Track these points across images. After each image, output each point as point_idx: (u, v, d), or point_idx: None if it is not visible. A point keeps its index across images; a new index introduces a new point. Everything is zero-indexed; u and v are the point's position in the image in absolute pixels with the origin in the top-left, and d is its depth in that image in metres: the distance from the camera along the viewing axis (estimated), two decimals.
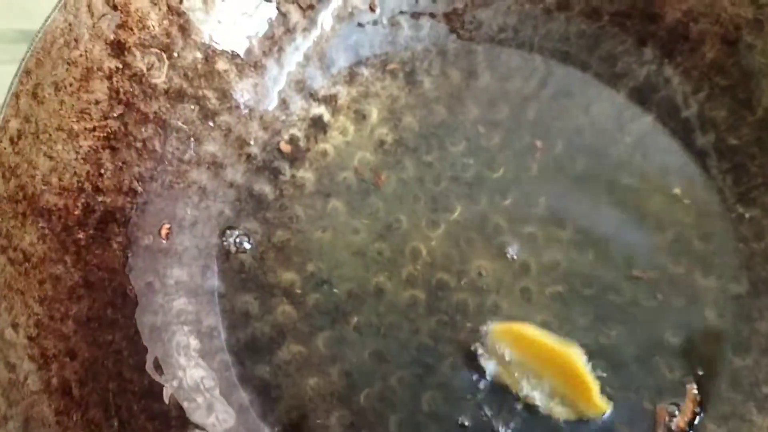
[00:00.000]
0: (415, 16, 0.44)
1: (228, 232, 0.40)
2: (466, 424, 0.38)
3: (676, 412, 0.38)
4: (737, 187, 0.42)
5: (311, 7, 0.42)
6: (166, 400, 0.35)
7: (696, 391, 0.38)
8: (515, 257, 0.40)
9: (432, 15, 0.44)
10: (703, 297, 0.40)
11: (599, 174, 0.42)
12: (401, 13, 0.44)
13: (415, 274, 0.40)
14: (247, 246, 0.40)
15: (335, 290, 0.40)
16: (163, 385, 0.35)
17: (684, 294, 0.40)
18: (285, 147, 0.42)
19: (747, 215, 0.41)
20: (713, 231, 0.41)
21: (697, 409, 0.38)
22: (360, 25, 0.43)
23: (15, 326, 0.31)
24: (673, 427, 0.38)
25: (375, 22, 0.44)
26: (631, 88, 0.44)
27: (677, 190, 0.42)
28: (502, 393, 0.38)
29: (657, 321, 0.39)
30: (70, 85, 0.34)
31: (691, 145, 0.43)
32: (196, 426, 0.35)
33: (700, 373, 0.39)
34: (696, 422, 0.38)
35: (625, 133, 0.43)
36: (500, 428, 0.38)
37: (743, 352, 0.39)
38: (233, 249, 0.40)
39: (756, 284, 0.40)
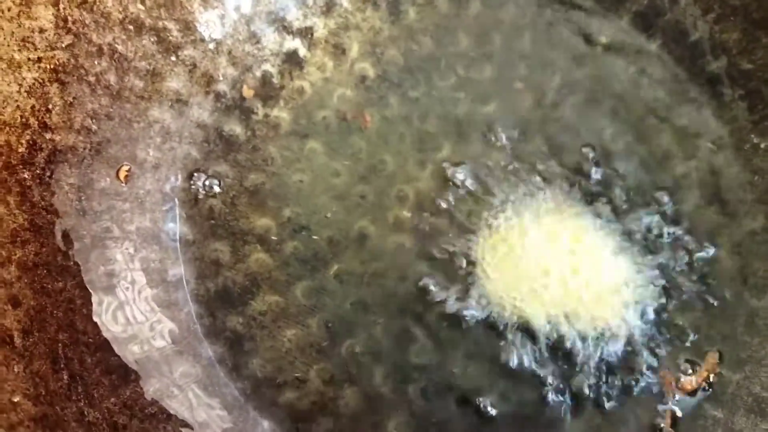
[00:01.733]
0: None
1: (195, 175, 0.37)
2: (456, 373, 0.35)
3: (689, 371, 0.35)
4: (752, 114, 0.39)
5: None
6: (124, 353, 0.32)
7: (717, 360, 0.35)
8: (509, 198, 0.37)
9: None
10: (717, 234, 0.37)
11: (600, 107, 0.39)
12: None
13: (401, 217, 0.37)
14: (217, 190, 0.37)
15: (314, 237, 0.37)
16: (120, 338, 0.32)
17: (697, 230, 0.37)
18: (247, 92, 0.39)
19: (762, 145, 0.38)
20: (726, 163, 0.38)
21: (711, 378, 0.35)
22: None
23: None
24: (681, 387, 0.35)
25: None
26: (635, 13, 0.40)
27: (685, 121, 0.39)
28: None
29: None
30: (9, 9, 0.31)
31: (701, 72, 0.39)
32: (158, 380, 0.32)
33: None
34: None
35: (628, 62, 0.40)
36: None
37: (759, 291, 0.36)
38: (202, 193, 0.37)
39: None
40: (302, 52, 0.40)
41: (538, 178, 0.38)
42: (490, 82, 0.39)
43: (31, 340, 0.29)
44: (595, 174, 0.38)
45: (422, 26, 0.40)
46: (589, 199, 0.37)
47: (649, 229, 0.37)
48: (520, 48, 0.40)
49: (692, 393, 0.35)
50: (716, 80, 0.39)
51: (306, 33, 0.40)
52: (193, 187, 0.37)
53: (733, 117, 0.38)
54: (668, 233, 0.37)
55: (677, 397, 0.35)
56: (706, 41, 0.39)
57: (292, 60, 0.40)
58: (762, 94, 0.38)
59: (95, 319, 0.31)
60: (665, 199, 0.38)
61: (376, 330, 0.36)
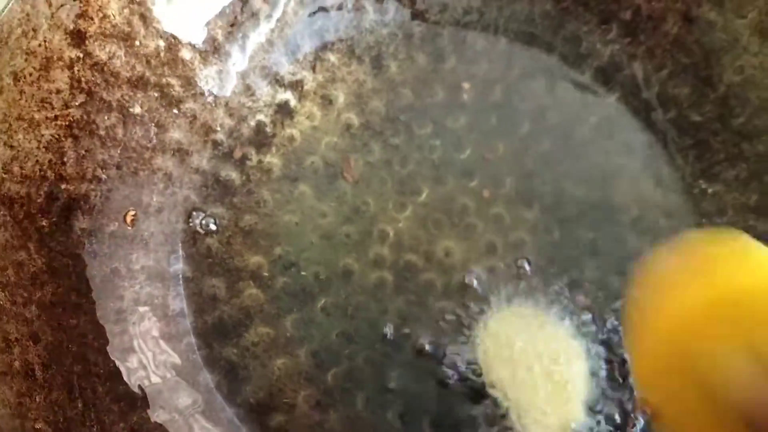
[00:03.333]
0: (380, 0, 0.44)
1: (194, 213, 0.41)
2: (432, 400, 0.38)
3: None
4: (700, 163, 0.42)
5: None
6: (132, 383, 0.35)
7: None
8: (482, 237, 0.41)
9: None
10: None
11: (564, 154, 0.43)
12: None
13: (382, 255, 0.41)
14: (213, 227, 0.41)
15: (303, 273, 0.40)
16: (128, 368, 0.35)
17: None
18: (237, 153, 0.42)
19: (710, 190, 0.42)
20: (676, 208, 0.42)
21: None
22: (324, 9, 0.44)
23: None
24: None
25: (339, 7, 0.44)
26: (596, 68, 0.44)
27: (639, 168, 0.42)
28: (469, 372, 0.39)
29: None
30: (30, 74, 0.34)
31: (653, 123, 0.43)
32: (161, 407, 0.35)
33: None
34: None
35: (589, 113, 0.44)
36: (466, 406, 0.38)
37: None
38: (200, 230, 0.40)
39: None
40: (293, 103, 0.43)
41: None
42: (464, 130, 0.43)
43: (49, 372, 0.32)
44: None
45: (402, 79, 0.44)
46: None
47: None
48: (492, 99, 0.44)
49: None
50: (667, 131, 0.43)
51: (297, 86, 0.44)
52: (191, 223, 0.40)
53: (682, 165, 0.42)
54: None
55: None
56: (656, 95, 0.43)
57: (283, 110, 0.43)
58: (709, 143, 0.42)
59: (108, 350, 0.35)
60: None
61: (358, 359, 0.39)
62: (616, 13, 0.44)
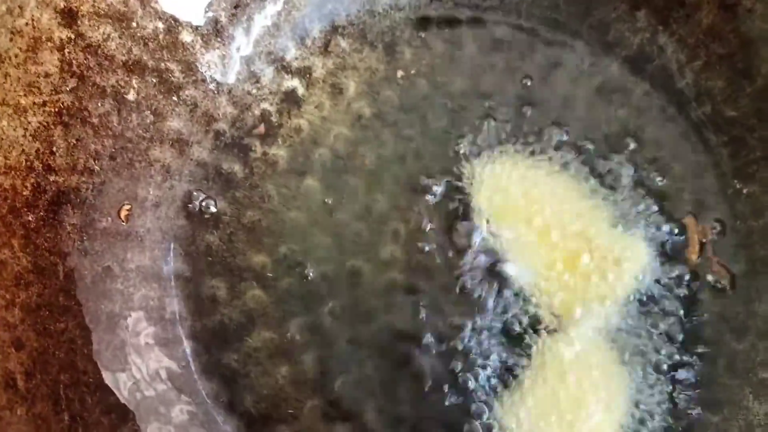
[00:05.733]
0: None
1: (194, 194, 0.38)
2: (447, 412, 0.36)
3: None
4: (734, 161, 0.40)
5: None
6: (124, 393, 0.33)
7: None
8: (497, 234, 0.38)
9: None
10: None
11: (590, 147, 0.40)
12: None
13: (394, 255, 0.38)
14: (212, 210, 0.38)
15: (309, 273, 0.38)
16: (119, 377, 0.33)
17: None
18: (260, 130, 0.40)
19: (745, 191, 0.39)
20: (710, 208, 0.39)
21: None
22: None
23: None
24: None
25: None
26: (624, 58, 0.42)
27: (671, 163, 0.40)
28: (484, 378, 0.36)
29: None
30: (16, 56, 0.32)
31: (686, 117, 0.40)
32: (156, 420, 0.33)
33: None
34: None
35: (617, 104, 0.41)
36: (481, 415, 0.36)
37: (740, 335, 0.37)
38: (197, 210, 0.38)
39: (754, 263, 0.38)
40: (300, 91, 0.41)
41: None
42: (481, 122, 0.40)
43: (33, 382, 0.30)
44: None
45: (417, 67, 0.42)
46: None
47: None
48: (513, 89, 0.41)
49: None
50: (701, 126, 0.40)
51: (304, 73, 0.41)
52: (191, 205, 0.38)
53: (716, 162, 0.40)
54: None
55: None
56: (691, 88, 0.41)
57: (290, 99, 0.40)
58: (745, 140, 0.40)
59: (95, 358, 0.32)
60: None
61: (368, 367, 0.37)
62: None
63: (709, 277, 0.38)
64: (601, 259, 0.37)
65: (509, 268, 0.37)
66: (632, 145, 0.40)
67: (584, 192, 0.39)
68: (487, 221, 0.38)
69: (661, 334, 0.37)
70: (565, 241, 0.37)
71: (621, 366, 0.36)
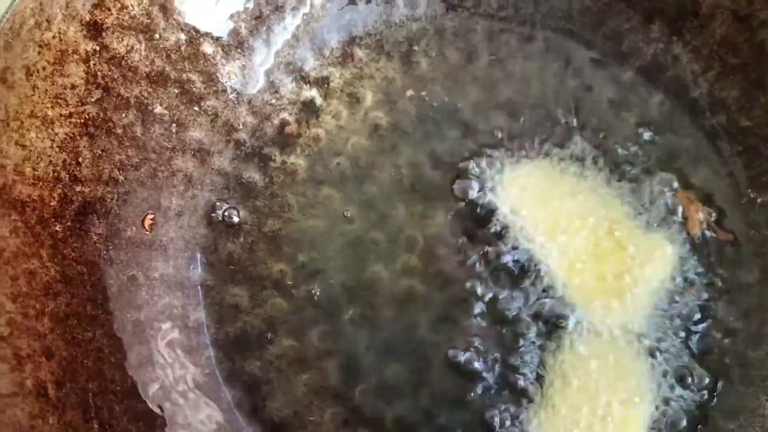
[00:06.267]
0: None
1: (218, 204, 0.38)
2: (469, 420, 0.36)
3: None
4: (748, 170, 0.40)
5: None
6: (150, 400, 0.33)
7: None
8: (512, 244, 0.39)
9: None
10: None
11: (603, 157, 0.40)
12: None
13: (412, 264, 0.38)
14: (235, 219, 0.38)
15: (329, 281, 0.38)
16: (146, 384, 0.33)
17: None
18: (291, 129, 0.40)
19: (759, 200, 0.40)
20: (724, 217, 0.40)
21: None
22: (353, 2, 0.41)
23: None
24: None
25: (368, 0, 0.42)
26: (638, 68, 0.42)
27: (686, 172, 0.40)
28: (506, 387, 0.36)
29: None
30: (43, 69, 0.32)
31: (701, 127, 0.41)
32: (182, 426, 0.33)
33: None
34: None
35: (631, 113, 0.41)
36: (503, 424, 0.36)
37: (755, 343, 0.37)
38: (220, 219, 0.38)
39: None
40: (318, 101, 0.41)
41: None
42: (498, 131, 0.41)
43: (63, 390, 0.30)
44: None
45: (433, 77, 0.42)
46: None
47: None
48: (527, 99, 0.41)
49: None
50: (715, 135, 0.41)
51: (322, 83, 0.41)
52: (214, 215, 0.38)
53: (731, 172, 0.40)
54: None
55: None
56: (706, 98, 0.41)
57: (308, 109, 0.41)
58: (759, 150, 0.40)
59: (125, 365, 0.33)
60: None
61: (388, 374, 0.37)
62: (660, 9, 0.41)
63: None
64: (628, 261, 0.38)
65: (538, 269, 0.37)
66: (647, 155, 0.40)
67: (606, 197, 0.39)
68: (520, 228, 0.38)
69: (680, 339, 0.37)
70: (591, 242, 0.38)
71: (644, 366, 0.37)
